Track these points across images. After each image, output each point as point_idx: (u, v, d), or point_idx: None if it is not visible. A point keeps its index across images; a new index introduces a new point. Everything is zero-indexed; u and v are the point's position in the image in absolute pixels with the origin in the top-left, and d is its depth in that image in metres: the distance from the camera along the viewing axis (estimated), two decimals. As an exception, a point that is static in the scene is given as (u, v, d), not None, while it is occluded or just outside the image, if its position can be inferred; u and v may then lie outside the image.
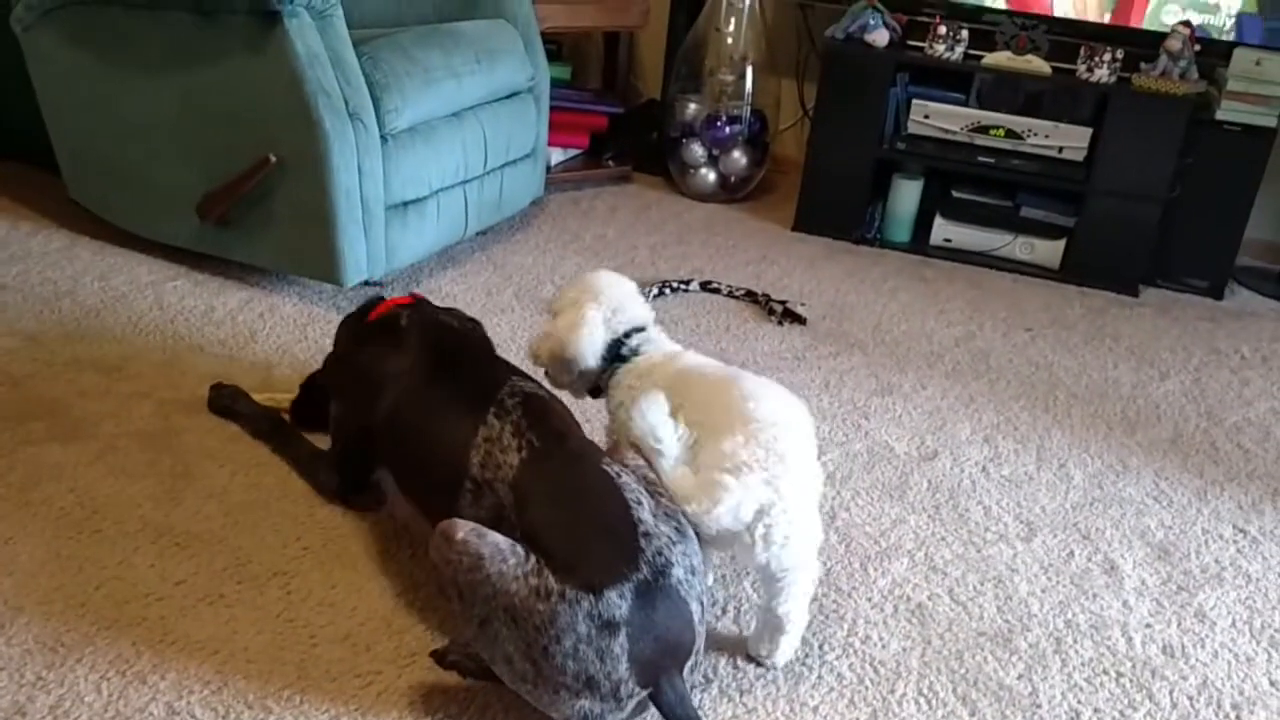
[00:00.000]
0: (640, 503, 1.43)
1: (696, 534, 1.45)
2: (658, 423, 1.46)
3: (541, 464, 1.49)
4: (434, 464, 1.56)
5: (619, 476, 1.46)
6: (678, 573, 1.38)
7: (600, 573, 1.34)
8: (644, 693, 1.36)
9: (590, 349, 1.67)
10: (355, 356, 1.80)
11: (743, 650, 1.61)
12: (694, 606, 1.39)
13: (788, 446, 1.48)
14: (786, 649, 1.58)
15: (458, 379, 1.65)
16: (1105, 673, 1.65)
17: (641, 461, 1.53)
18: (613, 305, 1.71)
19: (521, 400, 1.57)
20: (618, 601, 1.33)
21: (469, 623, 1.37)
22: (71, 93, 2.60)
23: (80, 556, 1.68)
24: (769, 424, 1.49)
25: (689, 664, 1.41)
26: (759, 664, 1.59)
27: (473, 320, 1.88)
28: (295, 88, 2.28)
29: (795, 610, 1.54)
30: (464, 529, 1.37)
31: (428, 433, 1.59)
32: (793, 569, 1.50)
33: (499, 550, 1.36)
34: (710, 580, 1.62)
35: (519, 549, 1.37)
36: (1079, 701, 1.59)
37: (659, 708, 1.38)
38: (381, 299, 1.92)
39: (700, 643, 1.42)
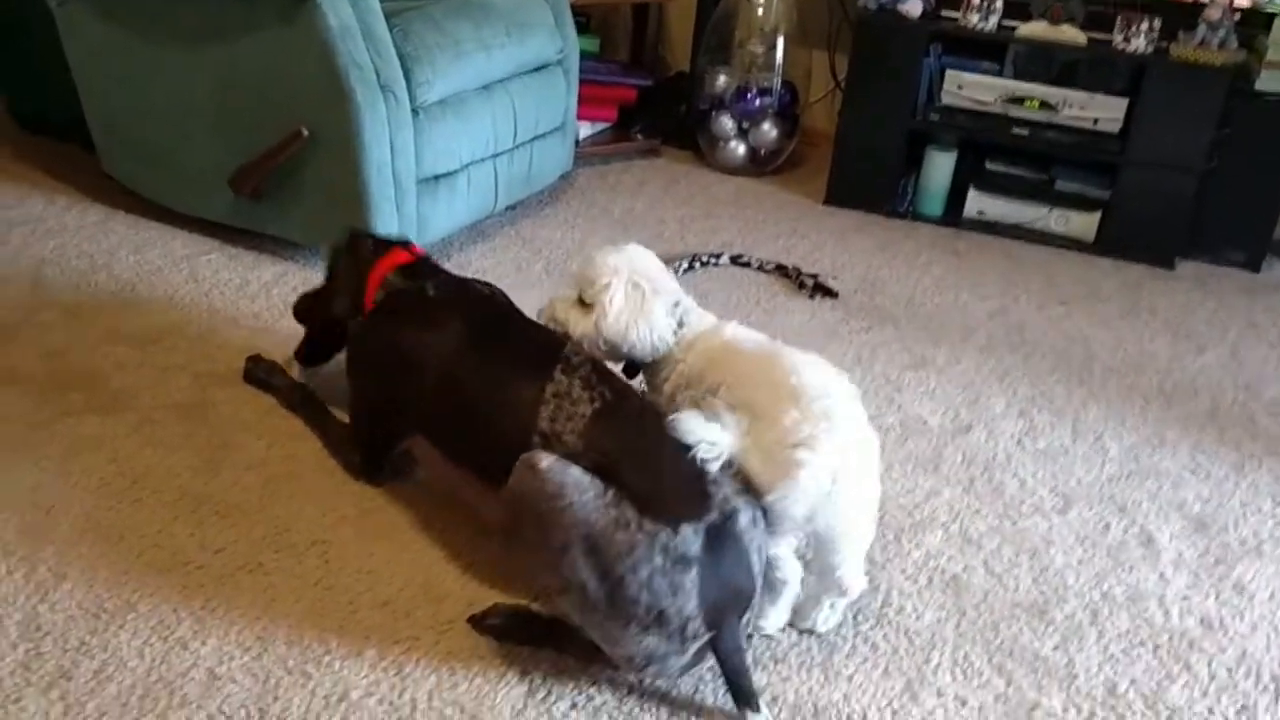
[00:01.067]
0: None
1: (781, 522, 1.47)
2: (705, 434, 1.46)
3: (612, 415, 1.52)
4: (497, 425, 1.56)
5: None
6: (743, 521, 1.41)
7: (675, 510, 1.38)
8: (707, 635, 1.38)
9: (656, 340, 1.70)
10: (383, 335, 1.77)
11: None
12: (755, 558, 1.42)
13: (843, 412, 1.50)
14: (839, 613, 1.62)
15: (511, 342, 1.67)
16: (1142, 644, 1.64)
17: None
18: (655, 285, 1.72)
19: (587, 358, 1.61)
20: (692, 538, 1.37)
21: (545, 549, 1.38)
22: (105, 68, 2.62)
23: (121, 525, 1.70)
24: (821, 394, 1.50)
25: (747, 615, 1.44)
26: (808, 632, 1.60)
27: (488, 284, 1.90)
28: (326, 60, 2.28)
29: (855, 573, 1.57)
30: (548, 459, 1.41)
31: (488, 396, 1.60)
32: (858, 533, 1.54)
33: (580, 481, 1.39)
34: (799, 585, 1.59)
35: (599, 482, 1.40)
36: (1115, 673, 1.58)
37: (717, 654, 1.40)
38: (377, 239, 1.95)
39: (758, 596, 1.45)
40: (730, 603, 1.41)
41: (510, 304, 1.84)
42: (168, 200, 2.72)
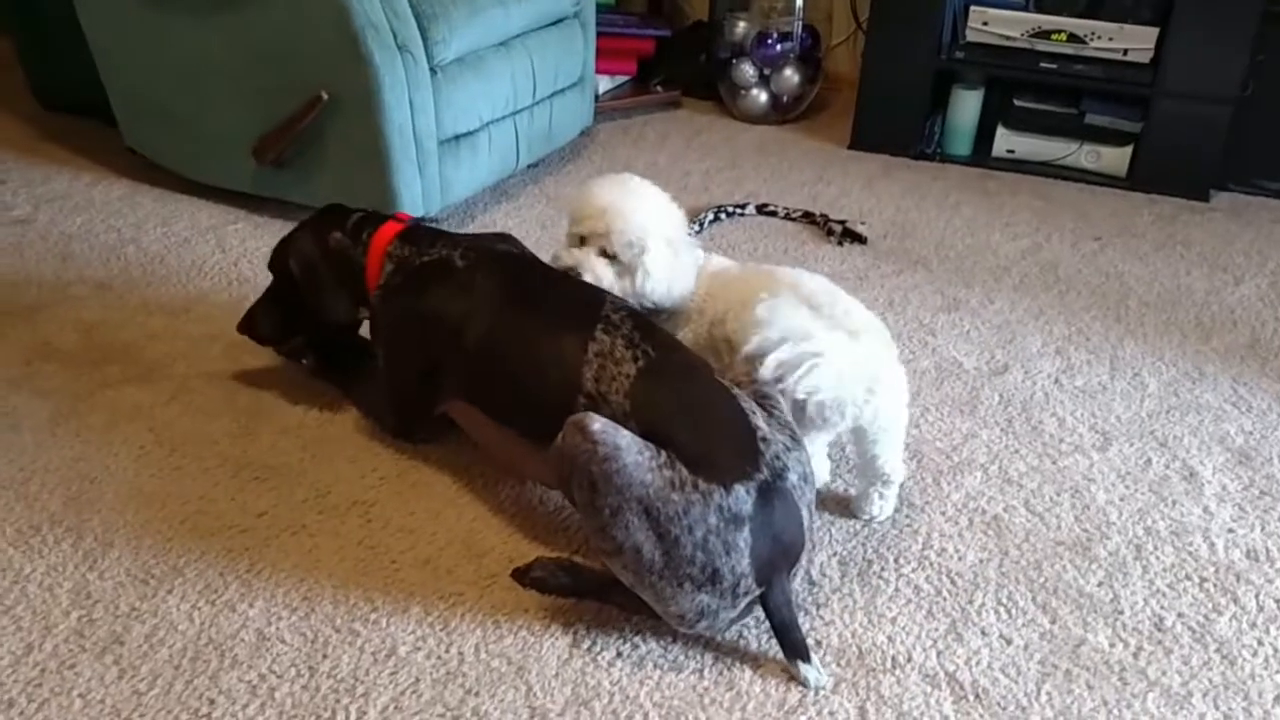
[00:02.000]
0: (754, 412, 1.48)
1: (821, 414, 1.57)
2: (794, 320, 1.59)
3: (658, 373, 1.51)
4: (541, 387, 1.56)
5: (731, 388, 1.51)
6: (793, 478, 1.42)
7: (727, 469, 1.38)
8: (758, 591, 1.39)
9: (685, 293, 1.75)
10: (414, 304, 1.73)
11: (815, 564, 1.61)
12: (804, 513, 1.43)
13: (849, 306, 1.65)
14: (891, 500, 1.71)
15: (550, 302, 1.66)
16: (1188, 578, 1.63)
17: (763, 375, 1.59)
18: (679, 236, 1.72)
19: (628, 314, 1.59)
20: (744, 497, 1.37)
21: (598, 513, 1.38)
22: (122, 39, 2.61)
23: (164, 493, 1.72)
24: (823, 290, 1.66)
25: (797, 568, 1.45)
26: (866, 521, 1.71)
27: (504, 235, 1.89)
28: (343, 22, 2.26)
29: (896, 460, 1.68)
30: (599, 421, 1.40)
31: (530, 358, 1.59)
32: (891, 422, 1.64)
33: (633, 443, 1.39)
34: (827, 477, 1.70)
35: (649, 445, 1.40)
36: (1162, 607, 1.57)
37: (766, 608, 1.41)
38: (345, 227, 1.86)
39: (807, 552, 1.45)
40: (780, 559, 1.41)
41: (535, 258, 1.83)
42: (191, 172, 2.72)
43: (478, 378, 1.66)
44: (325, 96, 2.36)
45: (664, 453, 1.39)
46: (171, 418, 1.90)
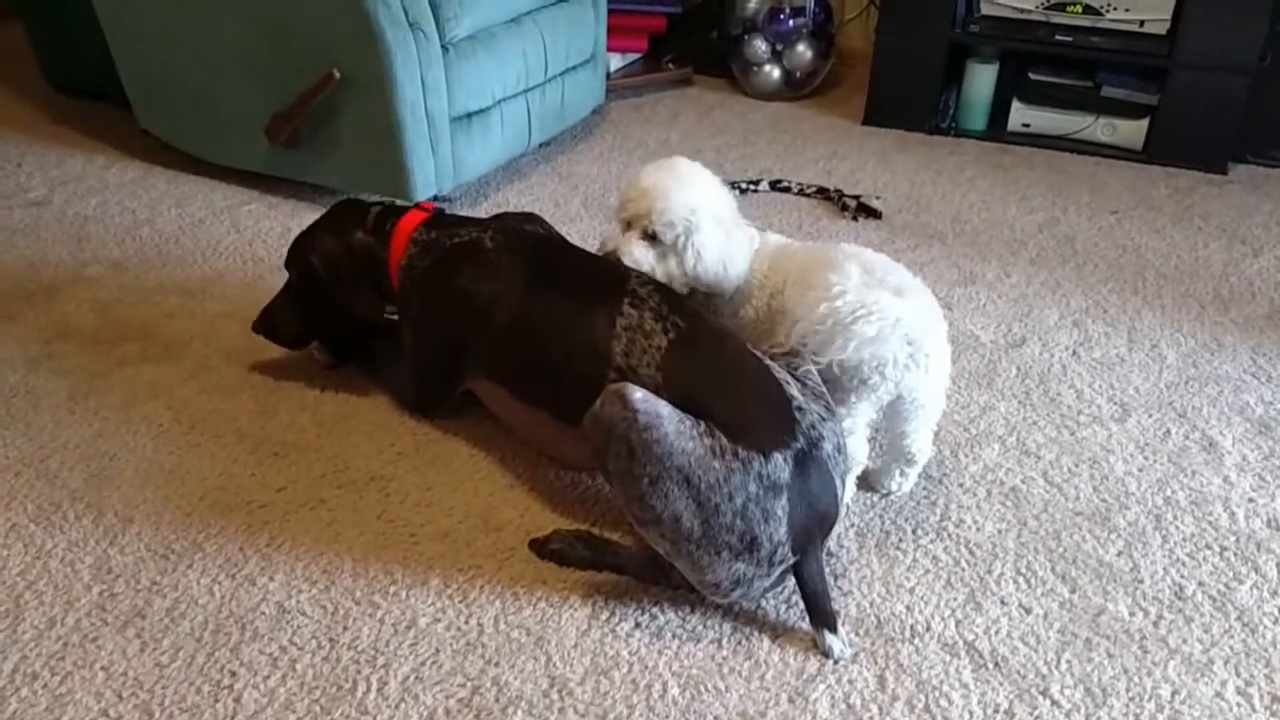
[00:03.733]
0: (789, 382, 1.47)
1: (860, 373, 1.55)
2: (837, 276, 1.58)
3: (689, 344, 1.51)
4: (570, 365, 1.56)
5: (763, 358, 1.51)
6: (828, 447, 1.43)
7: (765, 437, 1.38)
8: (793, 560, 1.39)
9: (740, 274, 1.73)
10: (444, 284, 1.73)
11: (833, 535, 1.61)
12: (838, 483, 1.43)
13: (907, 281, 1.61)
14: (912, 478, 1.71)
15: (575, 279, 1.65)
16: (1208, 547, 1.62)
17: (790, 346, 1.59)
18: (730, 216, 1.72)
19: (655, 288, 1.59)
20: (782, 465, 1.37)
21: (636, 482, 1.37)
22: (135, 19, 2.61)
23: (183, 469, 1.73)
24: (882, 263, 1.64)
25: (830, 537, 1.46)
26: (883, 495, 1.71)
27: (529, 214, 1.87)
28: (354, 0, 2.25)
29: (925, 440, 1.67)
30: (639, 391, 1.40)
31: (558, 336, 1.58)
32: (930, 398, 1.62)
33: (673, 412, 1.39)
34: (865, 459, 1.66)
35: (688, 416, 1.40)
36: (1182, 576, 1.56)
37: (799, 577, 1.42)
38: (380, 204, 1.87)
39: (841, 521, 1.46)
40: (815, 527, 1.41)
41: (562, 237, 1.83)
42: (205, 153, 2.72)
43: (506, 359, 1.66)
44: (338, 75, 2.36)
45: (703, 422, 1.39)
46: (189, 395, 1.90)
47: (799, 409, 1.43)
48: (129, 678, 1.37)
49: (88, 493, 1.68)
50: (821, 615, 1.42)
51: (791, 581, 1.45)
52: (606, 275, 1.64)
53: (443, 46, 2.41)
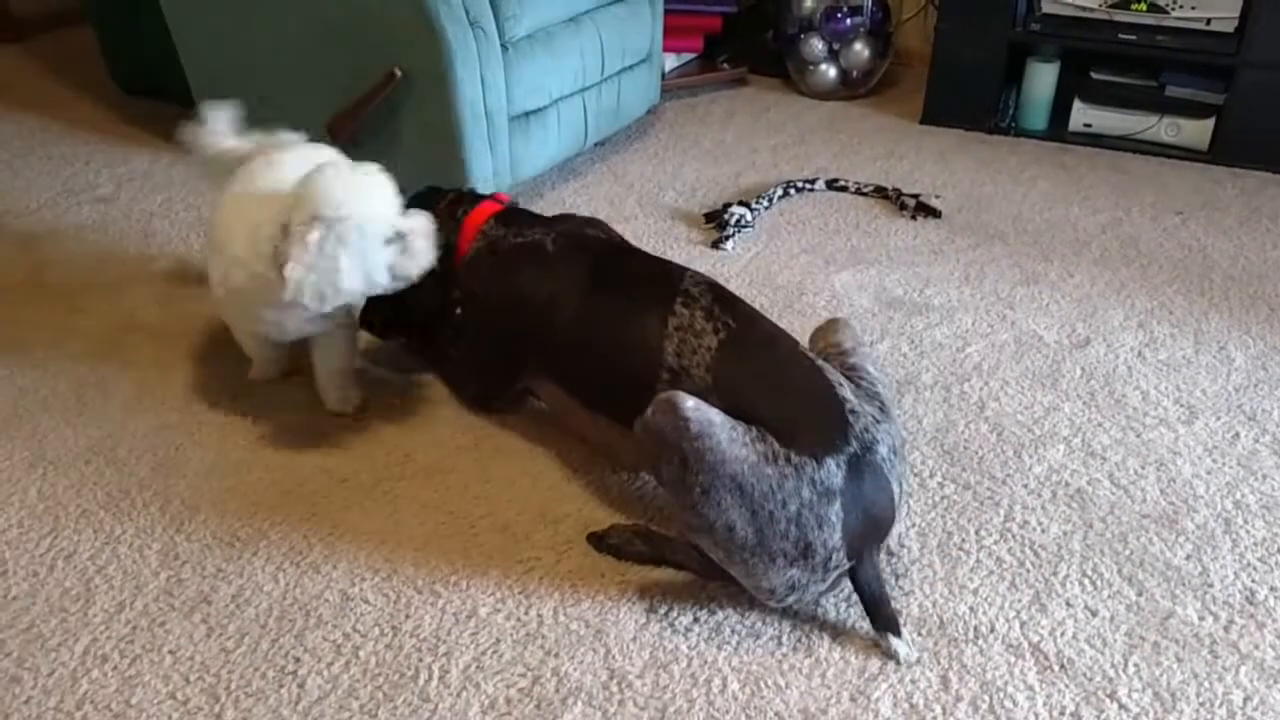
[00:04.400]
0: (842, 384, 1.46)
1: None
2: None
3: (739, 345, 1.49)
4: (624, 364, 1.55)
5: (816, 360, 1.50)
6: (882, 450, 1.41)
7: (818, 442, 1.37)
8: (848, 565, 1.38)
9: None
10: (505, 282, 1.74)
11: (894, 536, 1.59)
12: (894, 486, 1.41)
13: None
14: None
15: (630, 280, 1.65)
16: (1281, 552, 1.58)
17: (847, 345, 1.58)
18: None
19: (708, 287, 1.58)
20: (835, 470, 1.35)
21: (689, 491, 1.36)
22: (201, 19, 2.66)
23: (247, 460, 1.75)
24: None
25: (886, 542, 1.44)
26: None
27: (592, 219, 1.87)
28: (416, -1, 2.28)
29: None
30: (691, 399, 1.39)
31: (614, 336, 1.58)
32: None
33: (725, 420, 1.38)
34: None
35: (740, 423, 1.38)
36: (1253, 581, 1.53)
37: (855, 583, 1.40)
38: (457, 191, 1.91)
39: (897, 525, 1.44)
40: (871, 532, 1.40)
41: (622, 238, 1.83)
42: (267, 150, 2.76)
43: (564, 360, 1.66)
44: (399, 73, 2.38)
45: (754, 428, 1.38)
46: (253, 388, 1.93)
47: (852, 412, 1.41)
48: (195, 662, 1.39)
49: (155, 481, 1.71)
50: (883, 619, 1.40)
51: (849, 584, 1.44)
52: (661, 275, 1.63)
53: (502, 45, 2.42)
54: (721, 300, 1.56)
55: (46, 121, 3.11)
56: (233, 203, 1.73)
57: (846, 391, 1.45)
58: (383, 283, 1.63)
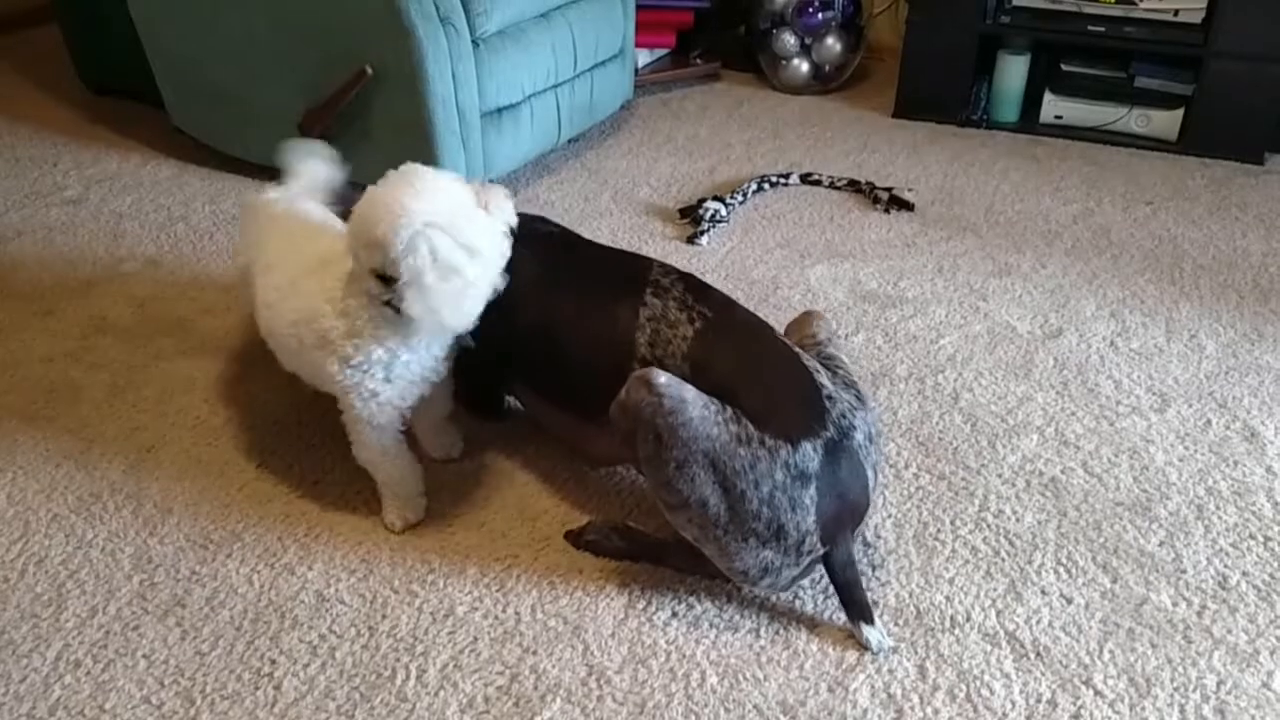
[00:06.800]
0: (819, 371, 1.47)
1: None
2: None
3: (716, 333, 1.49)
4: (595, 362, 1.53)
5: (793, 347, 1.50)
6: (859, 437, 1.41)
7: (794, 426, 1.37)
8: (822, 550, 1.38)
9: None
10: None
11: (870, 526, 1.60)
12: (869, 473, 1.42)
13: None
14: None
15: (593, 272, 1.63)
16: (1252, 537, 1.60)
17: (822, 336, 1.58)
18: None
19: (678, 277, 1.57)
20: (811, 454, 1.36)
21: (664, 466, 1.36)
22: (168, 17, 2.63)
23: (220, 461, 1.74)
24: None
25: (860, 528, 1.44)
26: None
27: (546, 220, 1.85)
28: (386, -5, 2.27)
29: None
30: (665, 375, 1.39)
31: (581, 334, 1.56)
32: None
33: (699, 397, 1.38)
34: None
35: (714, 401, 1.38)
36: (1225, 566, 1.54)
37: (828, 567, 1.41)
38: None
39: (871, 510, 1.45)
40: (846, 518, 1.40)
41: (574, 233, 1.80)
42: (238, 150, 2.74)
43: (533, 362, 1.65)
44: (369, 70, 2.37)
45: (729, 408, 1.38)
46: (225, 389, 1.91)
47: (829, 398, 1.42)
48: (170, 665, 1.38)
49: (127, 484, 1.69)
50: (856, 606, 1.40)
51: (825, 573, 1.44)
52: (627, 266, 1.62)
53: (473, 41, 2.41)
54: (694, 290, 1.55)
55: (12, 123, 3.08)
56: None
57: (824, 378, 1.45)
58: (481, 297, 1.45)
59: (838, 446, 1.38)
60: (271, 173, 2.67)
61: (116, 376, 1.95)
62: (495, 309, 1.66)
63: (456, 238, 1.38)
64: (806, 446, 1.36)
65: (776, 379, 1.44)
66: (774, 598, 1.48)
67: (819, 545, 1.37)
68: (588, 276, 1.63)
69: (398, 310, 1.41)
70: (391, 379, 1.49)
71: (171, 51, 2.70)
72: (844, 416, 1.41)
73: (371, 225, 1.37)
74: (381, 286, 1.40)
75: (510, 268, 1.66)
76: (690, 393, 1.38)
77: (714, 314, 1.51)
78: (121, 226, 2.50)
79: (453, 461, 1.74)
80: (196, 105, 2.76)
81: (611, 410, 1.43)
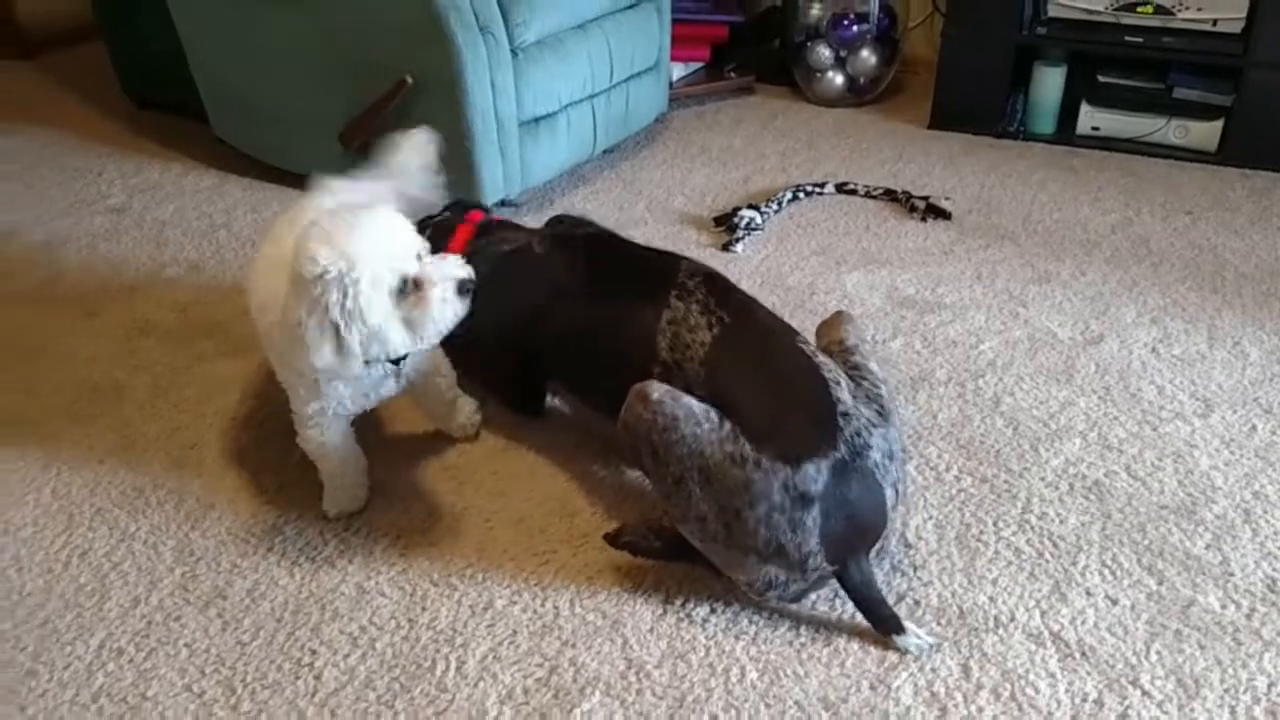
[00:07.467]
0: (839, 383, 1.42)
1: None
2: None
3: (733, 340, 1.47)
4: (619, 362, 1.53)
5: (815, 356, 1.46)
6: (875, 455, 1.36)
7: (797, 446, 1.33)
8: (830, 570, 1.36)
9: None
10: (500, 294, 1.70)
11: (910, 527, 1.58)
12: (888, 491, 1.38)
13: None
14: None
15: (625, 274, 1.63)
16: (1302, 541, 1.57)
17: (851, 342, 1.55)
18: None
19: (703, 280, 1.55)
20: (814, 476, 1.32)
21: (662, 481, 1.37)
22: (211, 29, 2.68)
23: (260, 459, 1.75)
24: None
25: (877, 547, 1.40)
26: None
27: (587, 221, 1.86)
28: (425, 4, 2.29)
29: None
30: (659, 390, 1.38)
31: (609, 333, 1.57)
32: None
33: (693, 413, 1.36)
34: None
35: (713, 414, 1.36)
36: (1275, 569, 1.51)
37: (845, 587, 1.38)
38: (430, 225, 1.85)
39: (891, 528, 1.41)
40: (856, 539, 1.36)
41: (614, 234, 1.81)
42: (279, 160, 2.78)
43: (568, 361, 1.66)
44: (410, 80, 2.40)
45: (727, 424, 1.35)
46: (265, 390, 1.93)
47: (844, 414, 1.37)
48: (211, 654, 1.38)
49: (169, 480, 1.71)
50: (880, 621, 1.37)
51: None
52: (656, 268, 1.61)
53: (512, 51, 2.44)
54: (718, 292, 1.53)
55: (60, 135, 3.14)
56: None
57: (843, 392, 1.40)
58: (396, 343, 1.41)
59: (848, 467, 1.34)
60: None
61: (159, 377, 1.97)
62: (524, 312, 1.67)
63: (358, 298, 1.35)
64: (809, 468, 1.32)
65: (789, 393, 1.40)
66: (813, 597, 1.46)
67: (825, 565, 1.34)
68: (619, 277, 1.63)
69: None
70: (326, 393, 1.52)
71: (214, 62, 2.74)
72: (858, 435, 1.36)
73: (298, 257, 1.36)
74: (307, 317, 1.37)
75: (543, 268, 1.68)
76: (684, 409, 1.35)
77: (733, 320, 1.48)
78: (164, 234, 2.54)
79: (468, 440, 1.77)
80: (238, 116, 2.80)
81: (618, 425, 1.42)
